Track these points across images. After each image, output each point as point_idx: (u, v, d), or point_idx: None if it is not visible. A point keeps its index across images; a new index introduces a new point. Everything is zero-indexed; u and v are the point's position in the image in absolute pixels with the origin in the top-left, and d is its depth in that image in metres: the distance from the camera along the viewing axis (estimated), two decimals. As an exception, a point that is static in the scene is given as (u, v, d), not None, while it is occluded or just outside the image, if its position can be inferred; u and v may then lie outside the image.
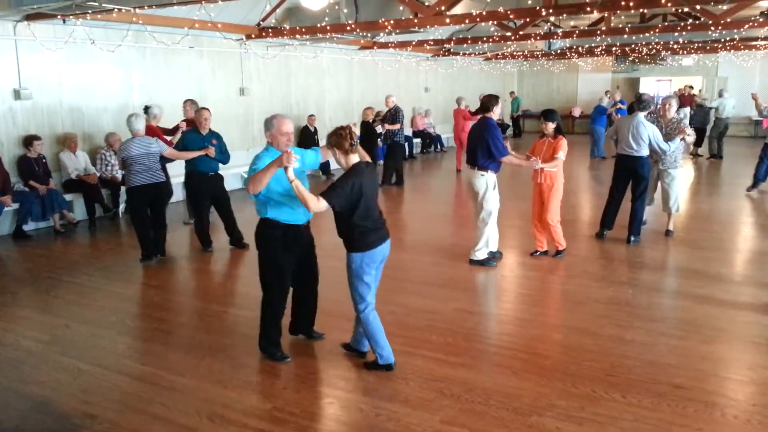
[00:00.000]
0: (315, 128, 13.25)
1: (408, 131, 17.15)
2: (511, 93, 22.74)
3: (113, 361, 4.66)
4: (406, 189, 12.51)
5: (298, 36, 11.12)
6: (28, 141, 8.66)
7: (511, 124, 22.30)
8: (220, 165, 7.61)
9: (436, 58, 17.61)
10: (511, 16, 9.28)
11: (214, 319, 5.51)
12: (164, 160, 7.30)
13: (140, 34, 9.87)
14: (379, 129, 12.04)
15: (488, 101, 6.60)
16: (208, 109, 7.54)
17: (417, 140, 17.07)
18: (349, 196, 3.99)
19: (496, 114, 6.66)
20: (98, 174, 9.37)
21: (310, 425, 3.78)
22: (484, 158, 6.57)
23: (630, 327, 5.10)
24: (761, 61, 19.35)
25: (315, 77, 13.97)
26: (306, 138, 13.04)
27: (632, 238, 7.69)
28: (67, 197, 9.03)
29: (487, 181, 6.63)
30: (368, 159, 4.32)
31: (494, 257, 6.96)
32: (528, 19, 11.81)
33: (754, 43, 15.70)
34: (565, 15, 9.83)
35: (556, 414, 3.78)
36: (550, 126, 6.74)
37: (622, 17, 16.39)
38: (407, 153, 16.49)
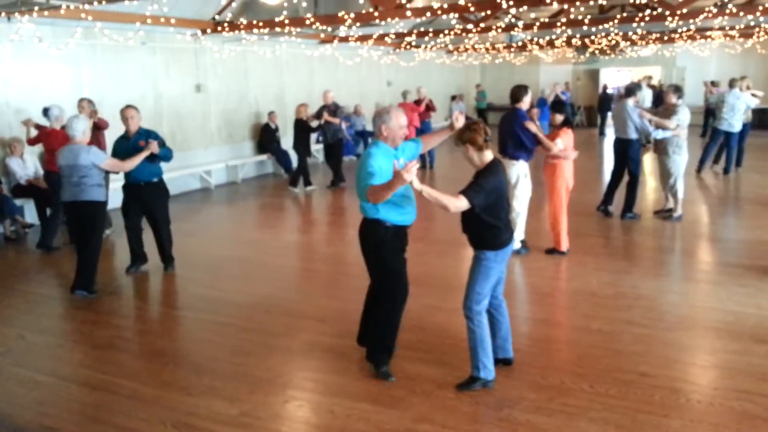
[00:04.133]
0: (276, 125, 13.03)
1: (371, 127, 17.04)
2: (478, 86, 22.77)
3: (71, 372, 4.49)
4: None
5: (255, 30, 10.92)
6: (-27, 146, 8.25)
7: (476, 117, 22.42)
8: (162, 169, 6.66)
9: (397, 52, 17.56)
10: (472, 9, 9.29)
11: (174, 325, 5.37)
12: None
13: (90, 30, 9.55)
14: (314, 123, 11.28)
15: (517, 92, 6.64)
16: (132, 107, 6.49)
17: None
18: (489, 194, 3.78)
19: (525, 104, 6.67)
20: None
21: (279, 429, 3.70)
22: (515, 148, 6.64)
23: (596, 317, 5.14)
24: (717, 50, 19.86)
25: (274, 73, 13.73)
26: (267, 136, 12.83)
27: (627, 214, 8.30)
28: (18, 202, 8.67)
29: (518, 171, 6.69)
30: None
31: (524, 245, 6.98)
32: (489, 12, 11.83)
33: (709, 33, 16.08)
34: (525, 7, 9.89)
35: (525, 406, 3.79)
36: (558, 117, 6.79)
37: (582, 9, 16.58)
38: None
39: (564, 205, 6.81)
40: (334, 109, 11.42)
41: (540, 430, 3.55)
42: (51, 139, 7.65)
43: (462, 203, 3.71)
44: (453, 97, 21.95)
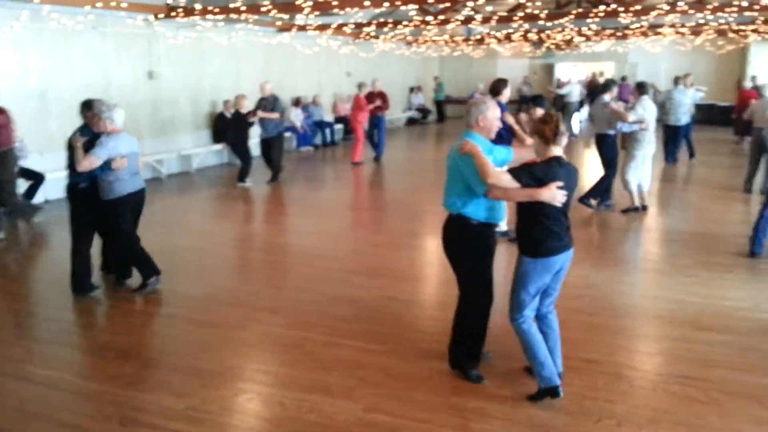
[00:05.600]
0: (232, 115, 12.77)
1: (329, 117, 16.95)
2: (436, 78, 22.84)
3: (13, 368, 4.33)
4: (322, 175, 12.37)
5: (210, 17, 10.68)
6: None
7: (434, 109, 22.49)
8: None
9: (357, 42, 17.47)
10: (431, 1, 9.29)
11: (123, 318, 5.23)
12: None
13: (37, 14, 9.17)
14: (251, 119, 10.66)
15: (498, 85, 6.68)
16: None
17: (339, 126, 16.90)
18: (539, 183, 3.48)
19: (505, 97, 6.69)
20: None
21: (229, 422, 3.66)
22: (494, 140, 6.62)
23: (546, 306, 5.24)
24: (668, 47, 20.41)
25: (230, 60, 13.46)
26: (222, 125, 12.55)
27: (585, 200, 8.44)
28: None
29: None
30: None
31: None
32: (447, 4, 11.86)
33: (661, 30, 16.52)
34: (483, 0, 9.94)
35: (476, 394, 3.84)
36: (538, 111, 6.86)
37: (538, 4, 16.79)
38: (330, 139, 16.32)
39: None
40: (272, 102, 10.76)
41: (490, 417, 3.61)
42: None
43: (504, 177, 3.49)
44: (412, 89, 22.00)
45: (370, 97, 12.80)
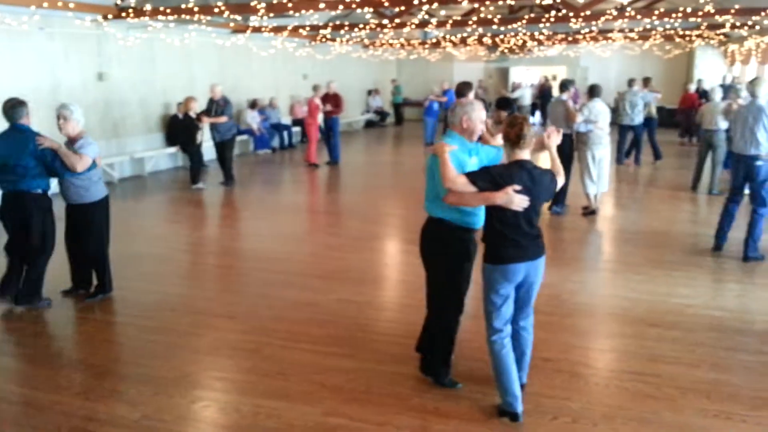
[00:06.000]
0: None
1: (287, 120, 16.82)
2: (393, 80, 22.92)
3: (-47, 380, 4.14)
4: (279, 178, 12.27)
5: (161, 17, 10.46)
6: None
7: (392, 112, 22.57)
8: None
9: (313, 45, 17.40)
10: (386, 4, 9.33)
11: (72, 327, 5.06)
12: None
13: (-21, 12, 8.84)
14: (199, 123, 10.46)
15: (463, 88, 6.67)
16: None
17: (296, 129, 16.79)
18: (496, 186, 3.39)
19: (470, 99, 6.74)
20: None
21: (184, 431, 3.58)
22: None
23: (503, 306, 5.30)
24: (617, 51, 21.03)
25: (183, 62, 13.20)
26: (175, 128, 12.28)
27: (553, 207, 8.54)
28: None
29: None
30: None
31: None
32: (403, 8, 11.93)
33: (611, 35, 17.00)
34: (436, 4, 10.03)
35: (434, 395, 3.85)
36: (503, 114, 6.94)
37: (492, 8, 17.07)
38: (288, 142, 16.18)
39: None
40: (223, 104, 10.52)
41: (448, 417, 3.62)
42: None
43: (460, 180, 3.42)
44: (370, 92, 22.03)
45: (325, 98, 12.71)
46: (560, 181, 3.70)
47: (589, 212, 8.53)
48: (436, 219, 3.79)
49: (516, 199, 3.37)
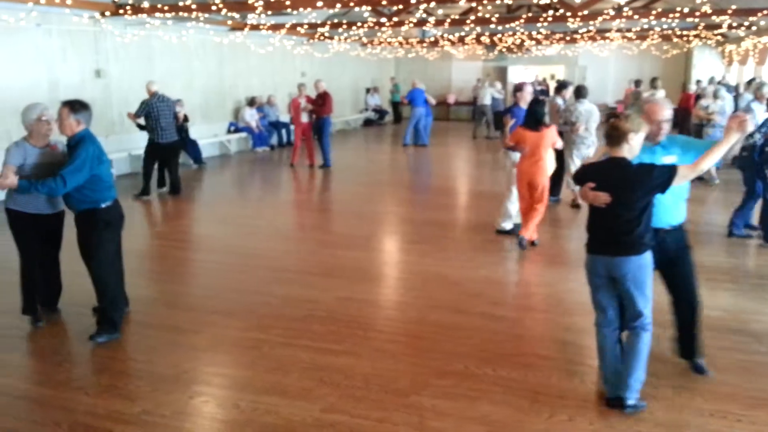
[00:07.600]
0: (185, 115, 12.53)
1: (285, 118, 16.81)
2: (392, 78, 22.89)
3: (-47, 375, 4.16)
4: (278, 176, 12.28)
5: (159, 14, 10.45)
6: None
7: (391, 110, 22.58)
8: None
9: (311, 43, 17.40)
10: (384, 2, 9.35)
11: (70, 322, 5.07)
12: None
13: (-23, 9, 8.83)
14: (132, 120, 9.99)
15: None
16: None
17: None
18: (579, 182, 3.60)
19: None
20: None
21: (183, 426, 3.60)
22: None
23: (501, 304, 5.35)
24: (615, 51, 21.08)
25: (181, 59, 13.20)
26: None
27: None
28: None
29: (511, 159, 7.33)
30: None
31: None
32: (401, 6, 11.96)
33: (608, 34, 17.05)
34: (434, 3, 10.06)
35: (432, 392, 3.88)
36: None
37: (490, 8, 17.10)
38: (287, 139, 16.17)
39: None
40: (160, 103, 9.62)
41: (445, 415, 3.65)
42: None
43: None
44: (368, 90, 22.04)
45: (316, 98, 12.43)
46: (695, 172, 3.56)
47: (575, 205, 8.79)
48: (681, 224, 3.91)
49: (590, 195, 3.49)
